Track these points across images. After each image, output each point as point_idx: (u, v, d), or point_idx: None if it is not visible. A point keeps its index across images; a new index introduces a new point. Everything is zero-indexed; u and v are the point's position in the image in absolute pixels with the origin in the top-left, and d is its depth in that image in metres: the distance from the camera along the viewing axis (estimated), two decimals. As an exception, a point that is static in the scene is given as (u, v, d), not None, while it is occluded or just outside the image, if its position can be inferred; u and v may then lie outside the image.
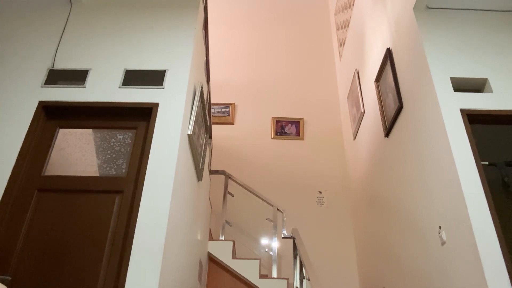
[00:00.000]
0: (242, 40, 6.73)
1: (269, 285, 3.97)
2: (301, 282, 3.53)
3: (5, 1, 3.30)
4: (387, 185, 3.78)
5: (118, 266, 2.20)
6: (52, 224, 2.33)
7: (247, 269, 4.05)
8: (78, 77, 2.87)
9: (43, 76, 2.88)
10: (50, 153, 2.62)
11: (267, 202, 4.75)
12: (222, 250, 4.17)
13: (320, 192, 5.32)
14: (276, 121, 5.90)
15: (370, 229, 4.32)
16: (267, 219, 4.76)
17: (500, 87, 2.85)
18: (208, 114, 3.91)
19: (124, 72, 2.89)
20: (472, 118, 2.73)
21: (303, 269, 3.45)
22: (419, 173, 3.04)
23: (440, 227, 2.67)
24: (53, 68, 2.92)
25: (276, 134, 5.79)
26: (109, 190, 2.45)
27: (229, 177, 4.91)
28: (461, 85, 2.90)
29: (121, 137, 2.69)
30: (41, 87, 2.82)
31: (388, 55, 3.66)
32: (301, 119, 5.91)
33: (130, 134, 2.70)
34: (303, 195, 5.28)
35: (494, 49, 3.04)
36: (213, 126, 5.70)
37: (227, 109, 6.01)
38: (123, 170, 2.55)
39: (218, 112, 5.98)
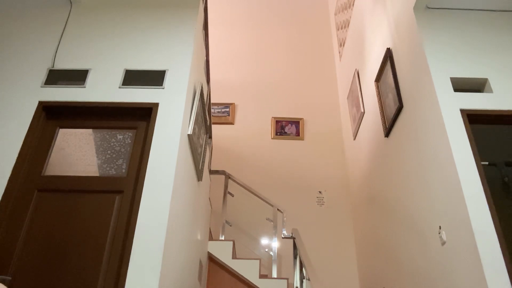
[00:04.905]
0: (242, 40, 6.73)
1: (269, 285, 3.97)
2: (301, 282, 3.53)
3: (5, 1, 3.30)
4: (387, 185, 3.77)
5: (118, 266, 2.20)
6: (52, 224, 2.33)
7: (247, 269, 4.05)
8: (78, 77, 2.87)
9: (43, 76, 2.88)
10: (50, 153, 2.62)
11: (267, 202, 4.75)
12: (222, 250, 4.17)
13: (320, 192, 5.32)
14: (276, 121, 5.89)
15: (370, 229, 4.31)
16: (267, 219, 4.76)
17: (500, 87, 2.85)
18: (208, 114, 3.91)
19: (124, 72, 2.89)
20: (472, 118, 2.73)
21: (303, 269, 3.45)
22: (419, 173, 3.03)
23: (440, 227, 2.67)
24: (53, 68, 2.92)
25: (276, 134, 5.79)
26: (109, 190, 2.45)
27: (229, 177, 4.91)
28: (461, 85, 2.90)
29: (121, 137, 2.69)
30: (41, 87, 2.82)
31: (388, 55, 3.67)
32: (301, 119, 5.91)
33: (130, 134, 2.70)
34: (303, 195, 5.28)
35: (494, 49, 3.04)
36: (213, 126, 5.70)
37: (227, 109, 6.00)
38: (123, 170, 2.55)
39: (218, 112, 5.98)
